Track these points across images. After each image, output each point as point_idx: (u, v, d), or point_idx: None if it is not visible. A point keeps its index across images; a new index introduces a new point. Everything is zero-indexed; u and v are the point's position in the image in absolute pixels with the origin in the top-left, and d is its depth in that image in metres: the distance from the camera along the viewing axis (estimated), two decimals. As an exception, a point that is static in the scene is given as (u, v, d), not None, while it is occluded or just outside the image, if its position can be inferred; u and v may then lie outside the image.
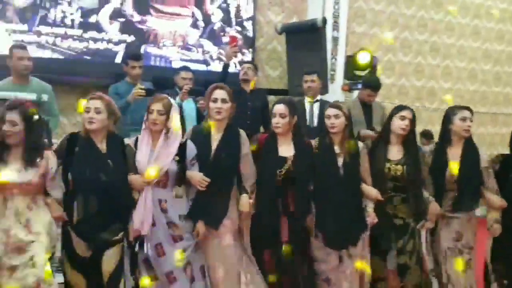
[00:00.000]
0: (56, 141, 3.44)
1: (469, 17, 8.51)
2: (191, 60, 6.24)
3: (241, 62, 5.97)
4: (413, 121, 3.57)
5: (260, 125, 5.16)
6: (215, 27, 6.47)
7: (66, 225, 3.03)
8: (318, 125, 4.77)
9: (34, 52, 5.05)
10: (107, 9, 5.79)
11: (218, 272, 3.30)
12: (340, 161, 3.45)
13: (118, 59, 5.71)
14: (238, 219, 3.42)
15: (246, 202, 3.37)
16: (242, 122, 4.21)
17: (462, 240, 3.60)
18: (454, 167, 3.52)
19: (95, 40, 5.73)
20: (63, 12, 5.56)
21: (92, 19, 5.69)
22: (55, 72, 5.21)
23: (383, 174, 3.52)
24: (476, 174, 3.58)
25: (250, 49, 6.66)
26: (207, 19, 6.40)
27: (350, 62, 6.37)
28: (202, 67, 6.28)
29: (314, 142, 3.56)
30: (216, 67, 6.17)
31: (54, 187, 3.01)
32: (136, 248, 3.17)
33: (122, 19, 5.88)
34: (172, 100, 3.25)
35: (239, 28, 6.58)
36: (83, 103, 3.08)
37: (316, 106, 4.97)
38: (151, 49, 6.11)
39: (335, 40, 6.69)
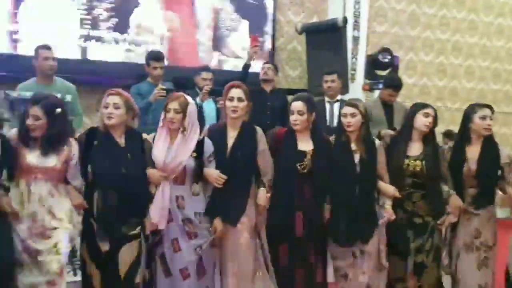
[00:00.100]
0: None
1: (493, 16, 8.37)
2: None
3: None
4: (435, 118, 3.57)
5: (279, 125, 5.16)
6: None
7: (89, 217, 3.07)
8: (338, 125, 4.76)
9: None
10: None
11: (232, 268, 3.30)
12: (356, 157, 3.45)
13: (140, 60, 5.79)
14: (255, 216, 3.43)
15: (263, 196, 3.38)
16: (262, 122, 4.22)
17: (480, 237, 3.58)
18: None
19: (118, 41, 5.83)
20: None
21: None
22: (77, 73, 5.29)
23: (402, 170, 3.51)
24: (494, 171, 3.55)
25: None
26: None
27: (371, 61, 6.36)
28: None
29: (331, 140, 3.56)
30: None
31: (74, 176, 3.08)
32: (152, 241, 3.20)
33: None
34: (188, 98, 3.28)
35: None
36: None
37: (336, 106, 4.95)
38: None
39: (356, 39, 6.67)
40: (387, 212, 3.47)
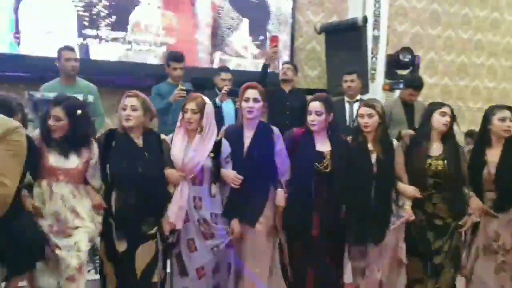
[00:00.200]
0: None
1: (516, 14, 8.28)
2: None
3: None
4: (452, 117, 3.54)
5: (299, 126, 5.16)
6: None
7: (108, 217, 3.11)
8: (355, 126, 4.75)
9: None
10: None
11: (250, 268, 3.31)
12: (373, 158, 3.43)
13: (160, 61, 5.84)
14: (273, 217, 3.43)
15: (281, 196, 3.39)
16: (281, 122, 4.24)
17: (499, 241, 3.53)
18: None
19: (138, 42, 5.88)
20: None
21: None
22: (98, 73, 5.36)
23: (424, 170, 3.48)
24: None
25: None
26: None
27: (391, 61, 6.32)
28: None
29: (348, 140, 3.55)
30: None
31: (93, 175, 3.12)
32: (170, 241, 3.22)
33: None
34: (206, 98, 3.31)
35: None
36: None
37: (356, 106, 4.90)
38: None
39: (376, 39, 6.65)
40: (406, 213, 3.44)
